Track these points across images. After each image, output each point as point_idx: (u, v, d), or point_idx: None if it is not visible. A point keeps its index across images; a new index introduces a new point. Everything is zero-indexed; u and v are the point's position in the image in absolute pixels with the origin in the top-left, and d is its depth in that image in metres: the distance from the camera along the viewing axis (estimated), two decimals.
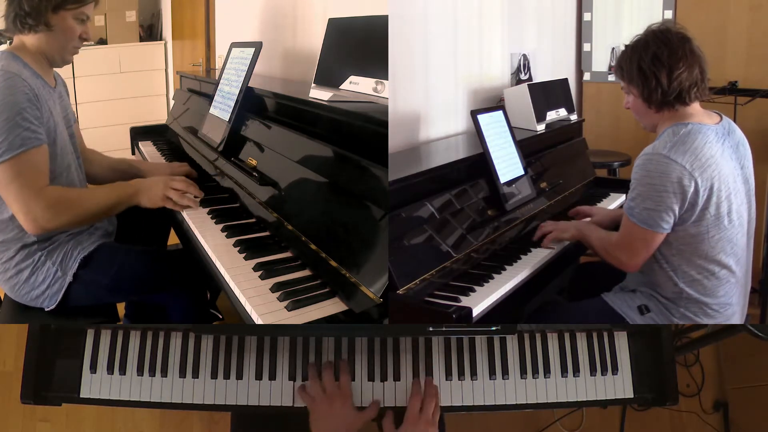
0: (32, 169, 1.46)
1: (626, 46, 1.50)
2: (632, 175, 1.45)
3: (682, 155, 1.37)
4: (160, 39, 4.91)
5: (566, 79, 2.69)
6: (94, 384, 1.43)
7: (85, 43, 1.63)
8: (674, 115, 1.47)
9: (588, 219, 1.92)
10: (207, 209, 1.71)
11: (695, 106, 1.47)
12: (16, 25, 1.53)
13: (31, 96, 1.46)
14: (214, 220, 1.63)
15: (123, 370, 1.43)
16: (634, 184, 1.44)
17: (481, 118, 1.89)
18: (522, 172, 1.97)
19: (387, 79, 1.70)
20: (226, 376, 1.43)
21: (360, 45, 1.83)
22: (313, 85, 1.87)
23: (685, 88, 1.42)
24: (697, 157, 1.37)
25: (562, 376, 1.46)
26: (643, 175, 1.41)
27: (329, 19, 1.95)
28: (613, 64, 3.34)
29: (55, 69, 1.69)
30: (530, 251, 1.73)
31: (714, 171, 1.38)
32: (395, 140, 2.11)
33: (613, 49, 3.35)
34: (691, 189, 1.37)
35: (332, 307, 1.20)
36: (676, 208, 1.39)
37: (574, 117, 2.63)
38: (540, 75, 2.99)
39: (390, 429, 1.36)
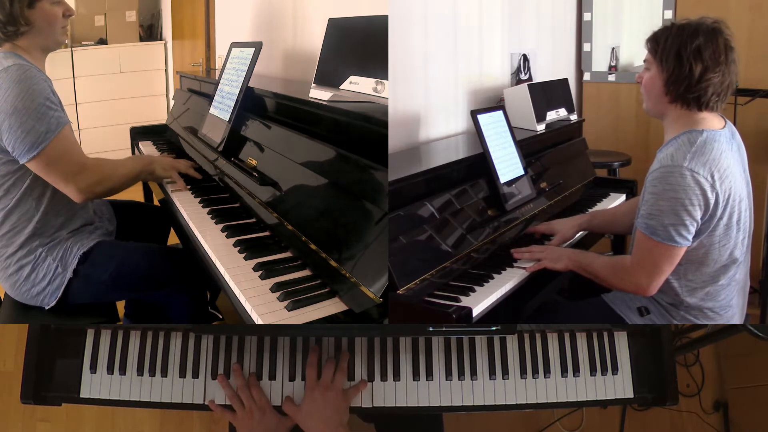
0: (74, 144, 1.56)
1: (673, 23, 1.41)
2: (649, 189, 1.38)
3: (703, 166, 1.33)
4: (160, 39, 4.91)
5: (566, 79, 2.68)
6: (94, 384, 1.43)
7: (71, 16, 1.62)
8: (685, 115, 1.42)
9: (555, 237, 1.80)
10: (207, 209, 1.71)
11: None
12: None
13: (49, 84, 1.52)
14: (214, 220, 1.63)
15: (123, 370, 1.43)
16: (653, 199, 1.36)
17: (481, 118, 1.89)
18: (522, 172, 1.97)
19: (387, 79, 1.70)
20: (226, 376, 1.43)
21: (360, 45, 1.83)
22: (313, 85, 1.87)
23: (709, 93, 1.37)
24: (717, 168, 1.34)
25: (562, 376, 1.46)
26: (665, 188, 1.35)
27: (329, 19, 1.95)
28: (613, 64, 3.34)
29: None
30: None
31: (731, 181, 1.37)
32: (395, 140, 2.10)
33: (613, 49, 3.34)
34: (713, 201, 1.34)
35: (332, 307, 1.20)
36: (700, 220, 1.36)
37: (574, 117, 2.63)
38: (540, 75, 2.99)
39: (291, 407, 1.38)
